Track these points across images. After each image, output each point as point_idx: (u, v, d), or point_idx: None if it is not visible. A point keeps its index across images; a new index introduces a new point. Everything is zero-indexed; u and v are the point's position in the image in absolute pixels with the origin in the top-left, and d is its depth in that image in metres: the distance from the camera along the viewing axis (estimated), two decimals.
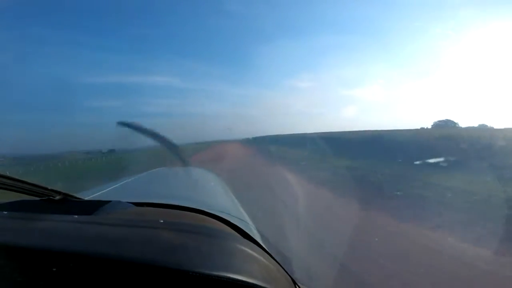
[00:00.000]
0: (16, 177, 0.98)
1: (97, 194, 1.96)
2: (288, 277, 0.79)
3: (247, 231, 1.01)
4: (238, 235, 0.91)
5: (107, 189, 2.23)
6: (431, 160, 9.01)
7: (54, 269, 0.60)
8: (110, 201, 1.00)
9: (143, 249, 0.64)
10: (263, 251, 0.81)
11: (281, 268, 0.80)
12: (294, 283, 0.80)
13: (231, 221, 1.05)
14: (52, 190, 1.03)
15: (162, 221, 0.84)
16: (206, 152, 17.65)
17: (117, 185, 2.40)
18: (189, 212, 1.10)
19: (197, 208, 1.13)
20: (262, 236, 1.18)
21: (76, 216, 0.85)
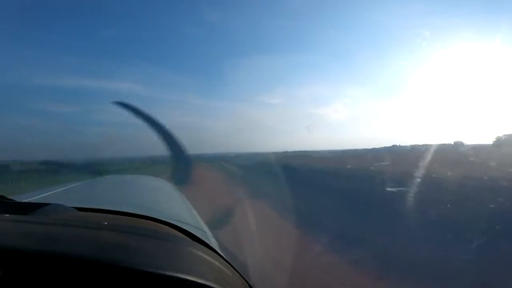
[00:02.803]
0: None
1: (36, 197, 1.75)
2: (245, 282, 0.78)
3: (203, 238, 0.97)
4: (190, 239, 0.87)
5: (49, 193, 2.01)
6: None
7: None
8: (49, 204, 0.92)
9: (78, 246, 0.59)
10: (218, 256, 0.80)
11: (237, 273, 0.78)
12: None
13: (186, 228, 1.00)
14: None
15: (106, 223, 0.79)
16: None
17: (60, 189, 2.16)
18: (137, 218, 1.03)
19: (147, 215, 1.06)
20: (220, 244, 1.15)
21: (8, 215, 0.78)
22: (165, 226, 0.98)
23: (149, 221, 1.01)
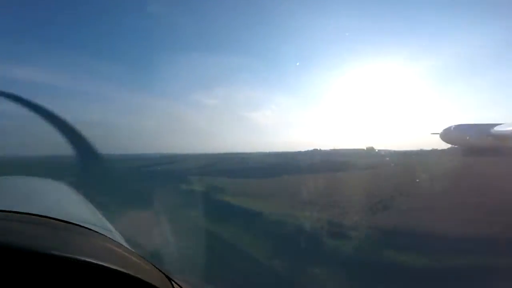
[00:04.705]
0: None
1: None
2: (151, 265, 0.80)
3: (108, 235, 0.96)
4: (91, 231, 0.87)
5: None
6: None
7: None
8: None
9: None
10: (122, 245, 0.83)
11: (142, 259, 0.81)
12: (168, 278, 0.81)
13: (88, 226, 0.98)
14: None
15: None
16: None
17: None
18: (33, 216, 0.97)
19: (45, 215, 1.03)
20: (127, 239, 1.15)
21: None
22: (67, 224, 0.92)
23: (51, 221, 0.94)
